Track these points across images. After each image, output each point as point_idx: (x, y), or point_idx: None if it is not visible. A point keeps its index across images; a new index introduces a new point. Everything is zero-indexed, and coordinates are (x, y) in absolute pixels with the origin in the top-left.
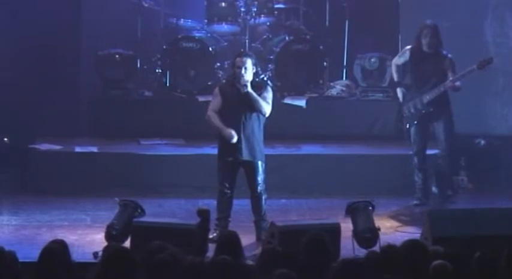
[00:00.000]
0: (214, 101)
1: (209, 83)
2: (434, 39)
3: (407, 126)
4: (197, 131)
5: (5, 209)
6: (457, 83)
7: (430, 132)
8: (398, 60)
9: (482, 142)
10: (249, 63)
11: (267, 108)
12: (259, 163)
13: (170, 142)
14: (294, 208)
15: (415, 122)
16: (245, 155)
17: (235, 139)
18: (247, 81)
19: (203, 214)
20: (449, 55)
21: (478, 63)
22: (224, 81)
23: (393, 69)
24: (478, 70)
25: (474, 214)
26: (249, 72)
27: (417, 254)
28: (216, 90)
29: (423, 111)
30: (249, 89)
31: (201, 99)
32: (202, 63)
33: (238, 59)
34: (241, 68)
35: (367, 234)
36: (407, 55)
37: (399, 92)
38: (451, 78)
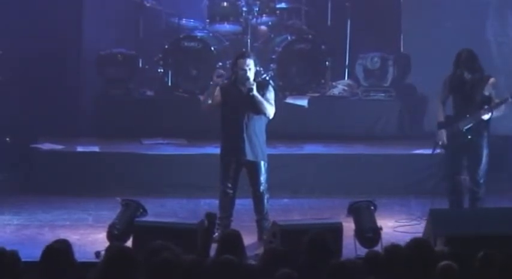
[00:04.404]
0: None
1: (211, 83)
2: (472, 64)
3: (437, 150)
4: (199, 131)
5: (6, 209)
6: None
7: (466, 160)
8: (442, 96)
9: None
10: (252, 64)
11: (271, 110)
12: (262, 163)
13: (172, 141)
14: (295, 208)
15: (451, 150)
16: (248, 156)
17: (222, 71)
18: (253, 85)
19: (210, 217)
20: (492, 79)
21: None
22: (226, 81)
23: (438, 108)
24: None
25: (476, 214)
26: (252, 73)
27: (422, 253)
28: (217, 89)
29: (460, 140)
30: (255, 92)
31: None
32: (204, 62)
33: (241, 60)
34: (245, 70)
35: (369, 234)
36: (447, 84)
37: (441, 134)
38: (486, 107)
